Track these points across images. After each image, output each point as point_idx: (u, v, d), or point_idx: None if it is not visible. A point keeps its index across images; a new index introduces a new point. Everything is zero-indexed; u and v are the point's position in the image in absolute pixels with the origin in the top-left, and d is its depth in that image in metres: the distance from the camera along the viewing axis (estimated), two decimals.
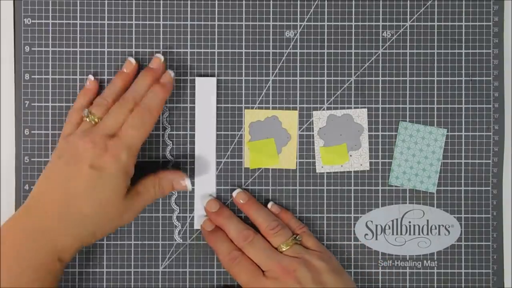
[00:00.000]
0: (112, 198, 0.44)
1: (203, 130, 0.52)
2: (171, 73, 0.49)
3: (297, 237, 0.49)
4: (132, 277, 0.52)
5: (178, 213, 0.52)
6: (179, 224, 0.51)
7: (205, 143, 0.52)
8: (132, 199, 0.46)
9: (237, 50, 0.52)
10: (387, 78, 0.52)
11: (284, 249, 0.47)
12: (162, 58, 0.49)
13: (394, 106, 0.52)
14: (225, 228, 0.49)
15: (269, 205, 0.51)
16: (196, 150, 0.52)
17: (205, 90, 0.51)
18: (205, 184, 0.52)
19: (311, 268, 0.46)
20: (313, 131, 0.52)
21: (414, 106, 0.52)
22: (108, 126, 0.46)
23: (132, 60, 0.50)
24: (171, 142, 0.52)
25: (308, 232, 0.50)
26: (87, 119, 0.47)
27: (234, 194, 0.51)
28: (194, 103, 0.52)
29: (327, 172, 0.52)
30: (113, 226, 0.46)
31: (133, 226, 0.52)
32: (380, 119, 0.52)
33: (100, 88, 0.52)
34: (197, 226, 0.52)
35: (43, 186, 0.45)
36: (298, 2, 0.52)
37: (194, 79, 0.52)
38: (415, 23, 0.52)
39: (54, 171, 0.45)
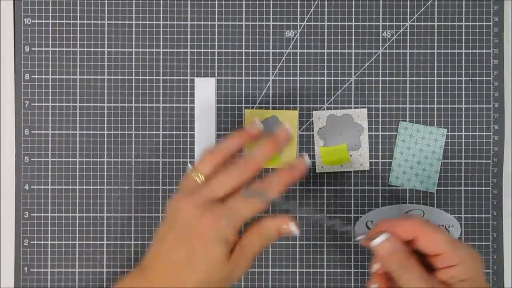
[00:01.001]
0: (214, 267, 0.40)
1: (203, 130, 0.52)
2: (307, 160, 0.43)
3: None
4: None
5: None
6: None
7: (205, 143, 0.52)
8: (238, 258, 0.41)
9: (237, 50, 0.52)
10: (387, 78, 0.52)
11: None
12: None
13: (394, 106, 0.52)
14: None
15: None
16: (195, 150, 0.52)
17: (205, 90, 0.51)
18: None
19: None
20: (313, 131, 0.52)
21: (414, 106, 0.52)
22: (215, 191, 0.42)
23: (258, 122, 0.44)
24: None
25: None
26: (192, 175, 0.43)
27: (377, 242, 0.42)
28: (193, 103, 0.52)
29: (327, 172, 0.52)
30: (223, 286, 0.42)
31: (133, 226, 0.52)
32: (380, 119, 0.52)
33: (100, 87, 0.52)
34: None
35: (157, 248, 0.42)
36: (298, 2, 0.52)
37: (194, 79, 0.52)
38: (415, 23, 0.52)
39: (164, 235, 0.42)
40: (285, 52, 0.52)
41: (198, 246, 0.40)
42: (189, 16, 0.52)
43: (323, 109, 0.52)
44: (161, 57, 0.52)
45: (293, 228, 0.43)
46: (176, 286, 0.40)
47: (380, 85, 0.52)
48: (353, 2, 0.52)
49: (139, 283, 0.41)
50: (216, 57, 0.52)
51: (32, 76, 0.52)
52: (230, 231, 0.41)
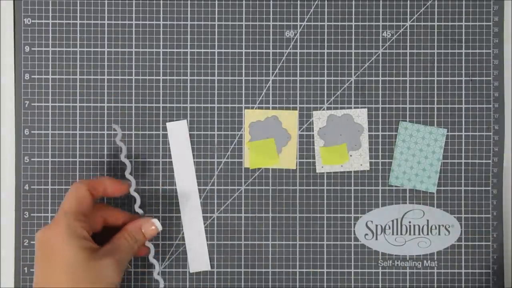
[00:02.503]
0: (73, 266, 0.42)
1: (181, 174, 0.52)
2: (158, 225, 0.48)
3: None
4: (132, 277, 0.52)
5: (155, 255, 0.49)
6: (157, 263, 0.49)
7: (186, 184, 0.52)
8: (104, 259, 0.43)
9: (237, 50, 0.52)
10: (387, 78, 0.52)
11: None
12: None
13: (394, 106, 0.52)
14: None
15: None
16: (179, 199, 0.52)
17: (178, 133, 0.52)
18: (194, 231, 0.52)
19: None
20: (313, 131, 0.52)
21: (414, 106, 0.52)
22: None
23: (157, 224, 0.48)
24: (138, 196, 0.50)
25: None
26: None
27: None
28: (193, 103, 0.52)
29: (327, 172, 0.52)
30: None
31: None
32: (380, 119, 0.52)
33: (100, 87, 0.52)
34: (192, 269, 0.52)
35: None
36: (298, 2, 0.52)
37: (194, 79, 0.52)
38: (415, 23, 0.52)
39: None
40: (285, 52, 0.52)
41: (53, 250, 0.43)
42: (189, 16, 0.52)
43: (323, 109, 0.52)
44: (161, 57, 0.52)
45: (157, 224, 0.47)
46: None
47: (380, 85, 0.52)
48: (353, 2, 0.52)
49: None
50: (216, 57, 0.52)
51: (32, 76, 0.52)
52: (73, 223, 0.43)
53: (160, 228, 0.47)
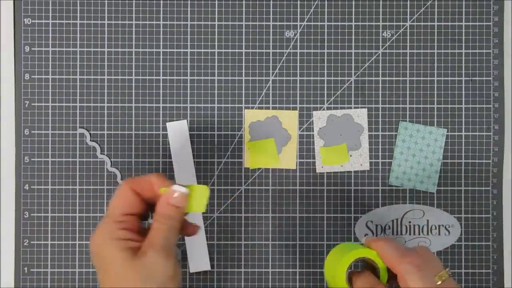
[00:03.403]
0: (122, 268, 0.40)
1: (181, 173, 0.51)
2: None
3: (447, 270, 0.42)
4: None
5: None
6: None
7: (185, 181, 0.51)
8: (148, 253, 0.40)
9: (237, 50, 0.52)
10: (387, 78, 0.52)
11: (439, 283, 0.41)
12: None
13: (394, 106, 0.52)
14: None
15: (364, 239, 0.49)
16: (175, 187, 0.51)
17: (178, 133, 0.51)
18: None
19: None
20: (313, 131, 0.52)
21: (414, 106, 0.52)
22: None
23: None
24: None
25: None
26: None
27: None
28: (193, 103, 0.52)
29: (327, 172, 0.52)
30: None
31: None
32: (380, 119, 0.52)
33: (100, 87, 0.52)
34: (192, 269, 0.52)
35: None
36: (298, 2, 0.52)
37: (194, 79, 0.52)
38: (415, 23, 0.52)
39: None
40: (285, 52, 0.52)
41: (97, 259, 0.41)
42: (189, 16, 0.52)
43: (323, 109, 0.52)
44: (161, 57, 0.52)
45: (180, 189, 0.42)
46: None
47: (380, 85, 0.52)
48: (353, 2, 0.52)
49: None
50: (216, 57, 0.52)
51: (32, 76, 0.52)
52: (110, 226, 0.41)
53: (183, 190, 0.42)
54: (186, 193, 0.42)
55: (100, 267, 0.41)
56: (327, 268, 0.46)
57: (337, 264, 0.43)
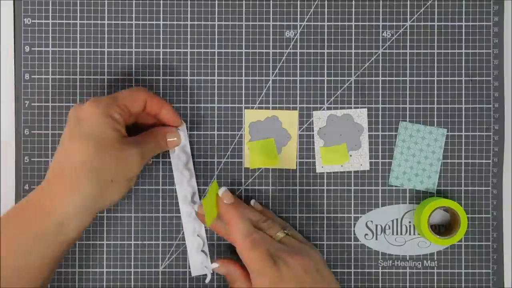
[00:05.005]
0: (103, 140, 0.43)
1: (181, 178, 0.51)
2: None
3: (286, 230, 0.48)
4: (132, 277, 0.52)
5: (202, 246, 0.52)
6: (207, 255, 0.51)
7: (186, 187, 0.51)
8: (130, 147, 0.45)
9: (237, 50, 0.52)
10: (387, 78, 0.52)
11: (280, 237, 0.47)
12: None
13: (394, 106, 0.52)
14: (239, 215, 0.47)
15: (252, 202, 0.51)
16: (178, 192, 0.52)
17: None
18: (195, 232, 0.52)
19: (311, 257, 0.46)
20: (313, 131, 0.52)
21: (414, 106, 0.52)
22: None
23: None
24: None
25: (293, 228, 0.51)
26: None
27: (220, 192, 0.48)
28: (194, 103, 0.52)
29: (327, 172, 0.52)
30: (122, 174, 0.45)
31: (133, 226, 0.52)
32: (380, 119, 0.52)
33: (100, 87, 0.52)
34: (193, 273, 0.52)
35: None
36: (298, 2, 0.52)
37: (194, 79, 0.52)
38: (415, 23, 0.52)
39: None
40: (285, 52, 0.52)
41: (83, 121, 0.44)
42: (189, 16, 0.52)
43: (323, 109, 0.52)
44: (161, 57, 0.52)
45: (178, 137, 0.49)
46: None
47: (380, 85, 0.52)
48: (353, 2, 0.52)
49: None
50: (216, 57, 0.52)
51: (32, 76, 0.52)
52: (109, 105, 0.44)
53: (180, 141, 0.49)
54: (179, 144, 0.50)
55: (78, 131, 0.43)
56: (415, 218, 0.51)
57: (420, 214, 0.49)
